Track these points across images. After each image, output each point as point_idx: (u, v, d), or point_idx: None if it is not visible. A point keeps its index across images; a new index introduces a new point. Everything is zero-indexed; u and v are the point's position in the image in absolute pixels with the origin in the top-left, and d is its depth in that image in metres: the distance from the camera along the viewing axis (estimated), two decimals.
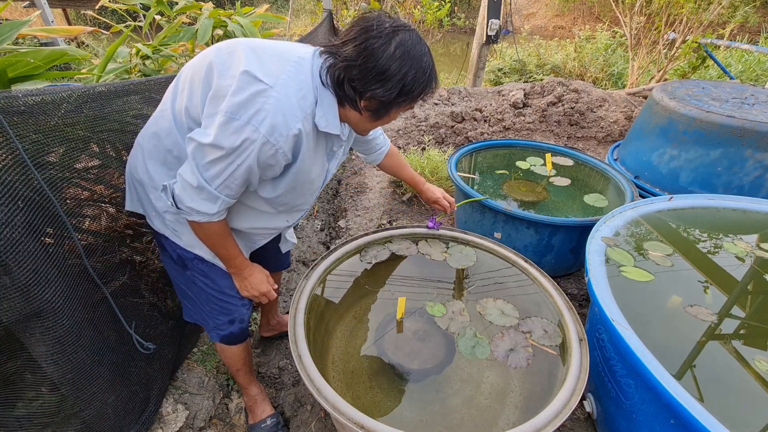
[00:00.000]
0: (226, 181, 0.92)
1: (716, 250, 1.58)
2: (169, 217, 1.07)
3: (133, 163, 1.06)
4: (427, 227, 1.71)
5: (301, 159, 0.98)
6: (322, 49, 0.95)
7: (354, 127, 1.07)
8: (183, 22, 1.85)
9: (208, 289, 1.20)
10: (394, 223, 2.72)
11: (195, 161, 0.90)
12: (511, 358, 1.23)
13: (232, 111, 0.85)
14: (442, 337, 1.33)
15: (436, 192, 1.61)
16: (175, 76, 1.03)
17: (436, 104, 4.57)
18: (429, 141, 3.73)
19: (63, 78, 1.38)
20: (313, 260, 2.16)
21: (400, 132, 4.05)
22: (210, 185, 0.92)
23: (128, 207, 1.12)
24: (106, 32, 1.98)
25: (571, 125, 4.10)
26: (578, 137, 4.05)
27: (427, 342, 1.32)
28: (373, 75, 0.88)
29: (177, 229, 1.09)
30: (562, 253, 2.06)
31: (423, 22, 5.92)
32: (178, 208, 0.97)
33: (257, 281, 1.21)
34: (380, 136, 1.44)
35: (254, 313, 1.96)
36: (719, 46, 5.52)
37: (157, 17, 1.97)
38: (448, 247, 1.67)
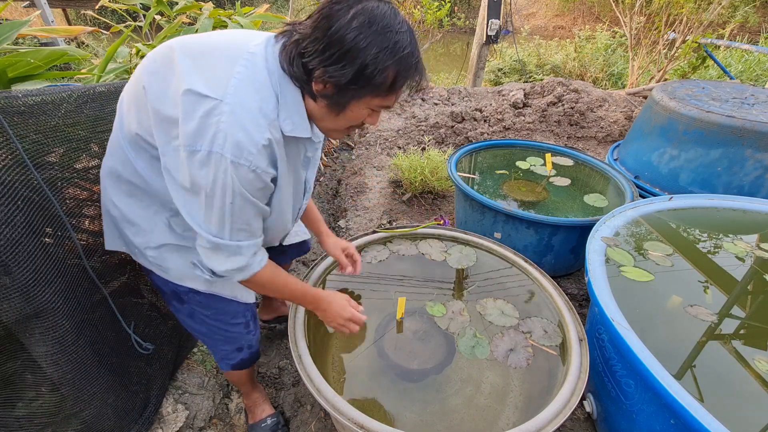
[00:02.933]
0: (234, 224, 0.82)
1: (716, 250, 1.58)
2: (150, 253, 0.98)
3: (104, 202, 0.98)
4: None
5: (279, 172, 0.87)
6: (278, 31, 0.81)
7: (318, 123, 0.89)
8: (183, 22, 1.85)
9: (209, 320, 1.12)
10: (395, 223, 2.72)
11: (194, 221, 0.83)
12: (511, 358, 1.23)
13: (190, 143, 0.74)
14: (442, 337, 1.33)
15: (340, 244, 1.39)
16: None
17: (436, 104, 4.57)
18: (429, 141, 3.73)
19: (63, 78, 1.38)
20: (313, 260, 2.16)
21: (400, 132, 4.05)
22: (222, 238, 0.83)
23: (108, 246, 1.02)
24: (106, 32, 1.98)
25: (571, 125, 4.10)
26: (578, 137, 4.05)
27: (427, 342, 1.32)
28: (322, 46, 0.72)
29: (161, 264, 1.00)
30: (562, 253, 2.06)
31: (423, 22, 5.92)
32: (218, 276, 0.90)
33: (337, 308, 1.10)
34: None
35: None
36: (719, 46, 5.52)
37: (157, 17, 1.97)
38: (447, 250, 1.67)
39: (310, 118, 0.88)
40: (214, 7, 1.90)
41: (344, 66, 0.72)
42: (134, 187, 0.92)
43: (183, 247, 1.00)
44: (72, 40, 4.59)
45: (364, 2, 0.72)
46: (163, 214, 0.97)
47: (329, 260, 1.53)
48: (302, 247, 1.52)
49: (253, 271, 0.92)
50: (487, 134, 3.86)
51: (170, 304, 1.12)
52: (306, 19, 0.77)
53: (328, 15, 0.72)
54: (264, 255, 0.96)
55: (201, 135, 0.74)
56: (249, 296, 1.16)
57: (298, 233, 1.45)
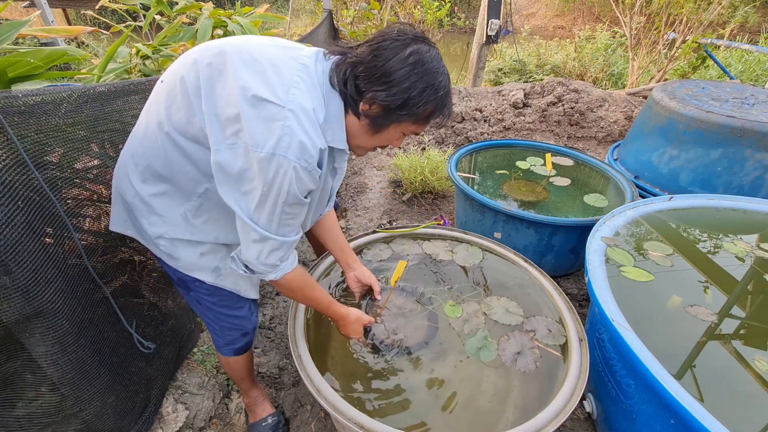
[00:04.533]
0: (282, 220, 0.87)
1: (716, 250, 1.58)
2: (162, 243, 1.01)
3: (119, 187, 0.98)
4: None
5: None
6: (330, 49, 0.90)
7: (351, 139, 0.97)
8: (183, 22, 1.85)
9: (215, 308, 1.15)
10: (394, 223, 2.72)
11: (244, 214, 0.86)
12: (519, 362, 1.22)
13: (254, 143, 0.79)
14: (444, 335, 1.33)
15: (359, 276, 1.38)
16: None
17: None
18: (429, 141, 3.73)
19: (63, 78, 1.38)
20: (313, 260, 2.16)
21: None
22: (269, 231, 0.88)
23: (113, 228, 1.03)
24: (106, 32, 1.98)
25: (571, 125, 4.10)
26: (578, 137, 4.05)
27: (429, 342, 1.32)
28: (378, 74, 0.83)
29: (172, 253, 1.02)
30: (562, 253, 2.06)
31: (423, 22, 5.92)
32: (252, 271, 0.97)
33: (350, 329, 1.24)
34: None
35: None
36: (719, 46, 5.51)
37: (157, 17, 1.97)
38: (453, 249, 1.67)
39: (347, 132, 0.96)
40: (214, 7, 1.89)
41: (395, 94, 0.83)
42: (158, 177, 0.94)
43: (195, 242, 1.03)
44: (72, 40, 4.59)
45: (418, 44, 0.85)
46: (182, 207, 0.98)
47: (329, 260, 1.53)
48: None
49: (285, 270, 0.98)
50: (487, 134, 3.86)
51: (179, 288, 1.17)
52: (360, 46, 0.87)
53: (387, 48, 0.83)
54: (295, 257, 1.02)
55: (266, 137, 0.79)
56: (250, 292, 1.18)
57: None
